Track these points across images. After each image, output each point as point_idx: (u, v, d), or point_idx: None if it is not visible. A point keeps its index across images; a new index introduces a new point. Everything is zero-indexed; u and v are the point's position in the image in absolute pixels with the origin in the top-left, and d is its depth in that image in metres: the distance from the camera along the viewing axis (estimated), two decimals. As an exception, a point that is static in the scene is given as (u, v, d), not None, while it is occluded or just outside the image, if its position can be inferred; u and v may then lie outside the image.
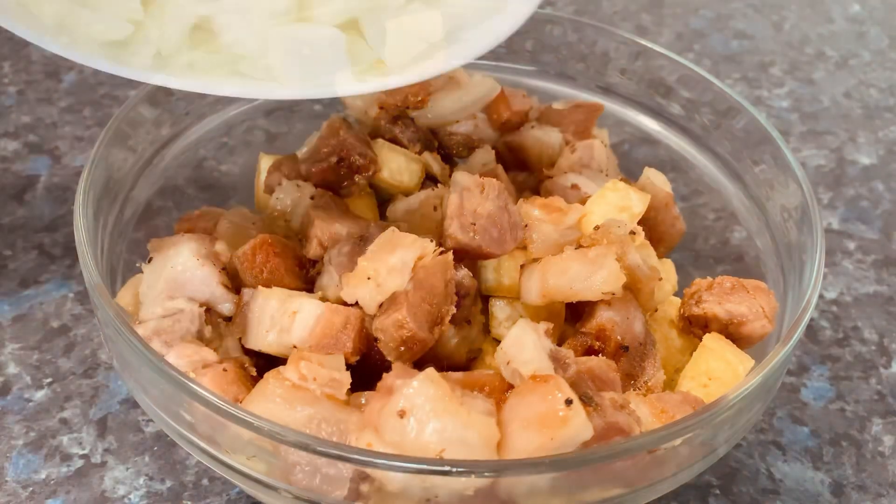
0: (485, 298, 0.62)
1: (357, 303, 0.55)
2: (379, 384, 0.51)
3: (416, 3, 0.59)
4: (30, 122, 0.88)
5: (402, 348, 0.54)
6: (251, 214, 0.65)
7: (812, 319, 0.76)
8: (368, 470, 0.48)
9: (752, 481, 0.65)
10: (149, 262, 0.60)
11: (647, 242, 0.62)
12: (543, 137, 0.70)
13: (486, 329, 0.61)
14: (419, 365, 0.53)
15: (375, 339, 0.55)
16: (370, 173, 0.66)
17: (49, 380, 0.68)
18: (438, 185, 0.67)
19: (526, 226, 0.60)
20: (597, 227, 0.59)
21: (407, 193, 0.67)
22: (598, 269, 0.56)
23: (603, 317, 0.57)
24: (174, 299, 0.58)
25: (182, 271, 0.58)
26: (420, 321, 0.54)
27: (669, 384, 0.59)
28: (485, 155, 0.70)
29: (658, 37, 1.07)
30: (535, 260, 0.59)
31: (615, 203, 0.62)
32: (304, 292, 0.58)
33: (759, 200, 0.69)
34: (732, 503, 0.63)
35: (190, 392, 0.49)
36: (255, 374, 0.56)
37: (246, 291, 0.58)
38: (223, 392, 0.52)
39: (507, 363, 0.53)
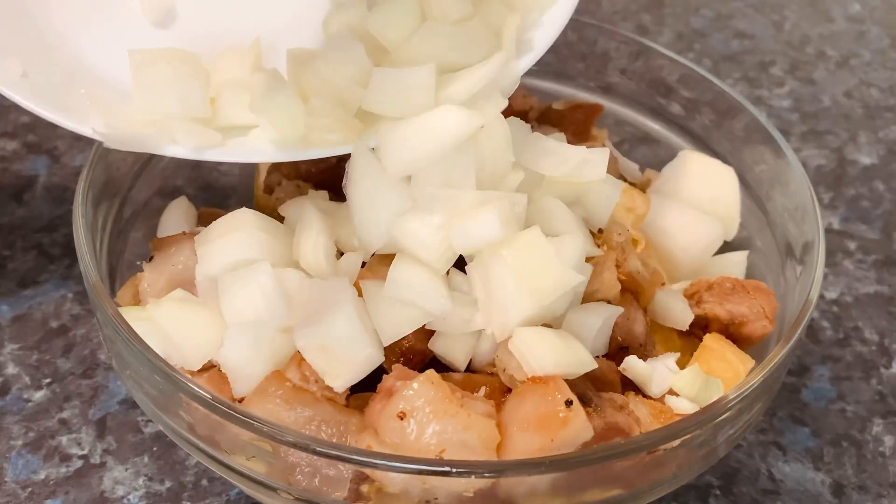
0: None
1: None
2: (379, 386, 0.51)
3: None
4: (29, 121, 0.88)
5: (402, 360, 0.54)
6: (250, 215, 0.65)
7: (813, 320, 0.76)
8: (368, 471, 0.48)
9: (753, 482, 0.65)
10: (150, 260, 0.60)
11: (649, 246, 0.62)
12: (543, 137, 0.70)
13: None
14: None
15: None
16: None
17: (48, 380, 0.68)
18: None
19: None
20: (600, 231, 0.59)
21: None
22: (594, 276, 0.55)
23: (603, 318, 0.57)
24: (174, 299, 0.58)
25: (183, 270, 0.58)
26: (419, 332, 0.54)
27: (670, 384, 0.59)
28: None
29: (658, 37, 1.07)
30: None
31: (621, 204, 0.62)
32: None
33: (759, 200, 0.69)
34: (733, 503, 0.63)
35: (189, 392, 0.49)
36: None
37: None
38: (222, 392, 0.52)
39: (504, 370, 0.53)
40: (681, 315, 0.60)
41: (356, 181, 0.55)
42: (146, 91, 0.56)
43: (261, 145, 0.57)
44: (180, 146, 0.57)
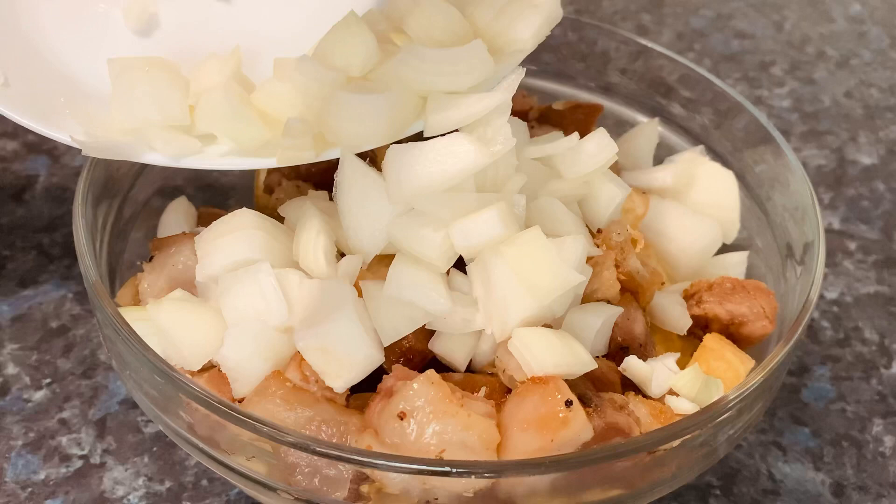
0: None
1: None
2: (379, 386, 0.51)
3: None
4: (29, 121, 0.88)
5: (402, 360, 0.54)
6: (250, 215, 0.65)
7: (813, 320, 0.76)
8: (368, 471, 0.48)
9: (753, 482, 0.65)
10: (150, 260, 0.60)
11: (649, 245, 0.62)
12: (543, 137, 0.70)
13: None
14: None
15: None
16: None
17: (48, 380, 0.68)
18: None
19: None
20: (599, 231, 0.59)
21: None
22: (593, 276, 0.55)
23: (603, 317, 0.57)
24: (174, 299, 0.58)
25: (183, 270, 0.58)
26: (419, 332, 0.54)
27: (670, 384, 0.59)
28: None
29: (658, 37, 1.07)
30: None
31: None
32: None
33: (760, 200, 0.69)
34: (733, 504, 0.63)
35: (189, 392, 0.49)
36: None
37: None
38: (222, 392, 0.52)
39: (504, 371, 0.53)
40: (679, 320, 0.60)
41: (346, 190, 0.55)
42: (125, 98, 0.57)
43: (240, 151, 0.57)
44: (159, 153, 0.57)
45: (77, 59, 0.62)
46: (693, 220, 0.66)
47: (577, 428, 0.48)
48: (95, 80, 0.61)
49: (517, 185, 0.55)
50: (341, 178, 0.56)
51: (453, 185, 0.52)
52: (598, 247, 0.57)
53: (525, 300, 0.52)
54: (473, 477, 0.46)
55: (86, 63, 0.62)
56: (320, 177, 0.65)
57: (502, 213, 0.52)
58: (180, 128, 0.57)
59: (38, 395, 0.67)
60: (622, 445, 0.48)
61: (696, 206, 0.68)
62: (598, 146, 0.58)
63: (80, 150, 0.56)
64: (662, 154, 0.75)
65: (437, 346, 0.55)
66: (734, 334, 0.60)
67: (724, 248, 0.68)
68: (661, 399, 0.55)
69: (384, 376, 0.51)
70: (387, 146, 0.55)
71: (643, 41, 0.76)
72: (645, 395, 0.55)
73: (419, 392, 0.48)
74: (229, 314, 0.54)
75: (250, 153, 0.57)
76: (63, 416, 0.66)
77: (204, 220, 0.64)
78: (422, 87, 0.54)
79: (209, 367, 0.54)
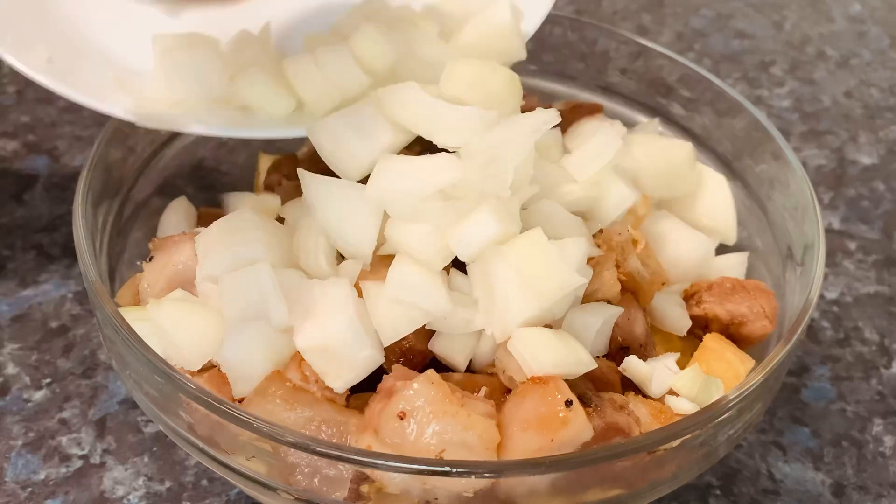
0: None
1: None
2: (379, 386, 0.51)
3: None
4: (29, 121, 0.88)
5: (402, 360, 0.54)
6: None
7: (813, 320, 0.76)
8: (368, 471, 0.48)
9: (753, 482, 0.65)
10: (150, 260, 0.60)
11: (649, 246, 0.62)
12: (543, 137, 0.70)
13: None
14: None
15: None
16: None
17: (48, 380, 0.68)
18: None
19: None
20: (600, 231, 0.59)
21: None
22: (594, 276, 0.55)
23: (603, 317, 0.57)
24: (174, 299, 0.58)
25: (183, 270, 0.58)
26: (419, 332, 0.54)
27: (670, 385, 0.59)
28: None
29: (658, 37, 1.07)
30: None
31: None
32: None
33: (760, 200, 0.69)
34: (733, 504, 0.63)
35: (189, 392, 0.49)
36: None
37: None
38: (222, 392, 0.52)
39: (504, 371, 0.53)
40: (678, 321, 0.60)
41: (318, 207, 0.55)
42: (170, 73, 0.60)
43: (277, 121, 0.61)
44: (205, 124, 0.60)
45: (110, 36, 0.65)
46: (685, 233, 0.66)
47: (577, 428, 0.48)
48: (135, 57, 0.63)
49: (529, 193, 0.55)
50: (310, 199, 0.56)
51: (428, 198, 0.53)
52: (598, 247, 0.57)
53: (526, 302, 0.52)
54: (473, 477, 0.46)
55: (125, 40, 0.65)
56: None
57: (494, 210, 0.52)
58: (221, 100, 0.61)
59: (38, 395, 0.67)
60: (622, 445, 0.48)
61: (692, 212, 0.68)
62: (601, 140, 0.58)
63: (80, 151, 0.57)
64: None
65: (437, 346, 0.55)
66: (734, 334, 0.60)
67: (724, 249, 0.68)
68: (661, 399, 0.55)
69: (384, 376, 0.51)
70: None
71: (643, 41, 0.76)
72: (645, 395, 0.55)
73: (419, 392, 0.48)
74: (229, 314, 0.54)
75: (283, 123, 0.61)
76: (63, 416, 0.66)
77: (204, 220, 0.64)
78: (404, 125, 0.56)
79: (209, 367, 0.54)
